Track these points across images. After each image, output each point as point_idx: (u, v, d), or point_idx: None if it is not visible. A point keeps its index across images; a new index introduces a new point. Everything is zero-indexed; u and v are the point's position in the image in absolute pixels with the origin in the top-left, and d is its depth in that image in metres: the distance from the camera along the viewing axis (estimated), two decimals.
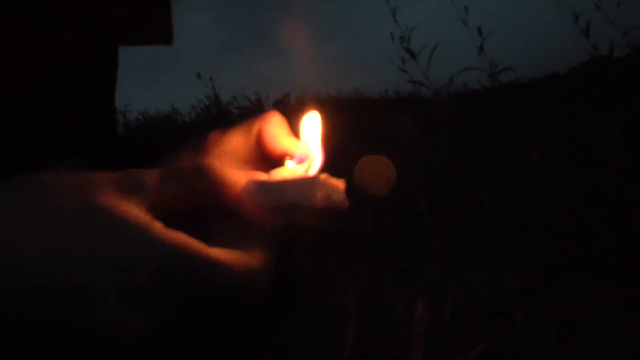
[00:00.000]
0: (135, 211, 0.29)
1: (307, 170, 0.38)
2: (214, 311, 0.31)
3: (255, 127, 0.39)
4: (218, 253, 0.30)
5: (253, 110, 4.30)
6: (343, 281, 1.88)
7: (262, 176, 0.37)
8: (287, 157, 0.39)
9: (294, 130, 0.40)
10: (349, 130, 3.17)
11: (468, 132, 2.73)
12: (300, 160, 0.39)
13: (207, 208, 0.33)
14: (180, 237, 0.29)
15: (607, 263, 1.69)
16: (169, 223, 0.30)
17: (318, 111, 0.40)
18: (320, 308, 1.73)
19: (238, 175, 0.34)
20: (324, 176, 0.36)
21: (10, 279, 0.26)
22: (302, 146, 0.39)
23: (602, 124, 2.41)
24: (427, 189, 2.37)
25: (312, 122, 0.40)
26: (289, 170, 0.38)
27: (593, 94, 2.78)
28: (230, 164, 0.37)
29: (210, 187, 0.33)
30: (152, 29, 0.47)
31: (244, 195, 0.34)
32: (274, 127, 0.39)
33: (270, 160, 0.39)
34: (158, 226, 0.29)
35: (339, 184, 0.36)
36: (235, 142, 0.39)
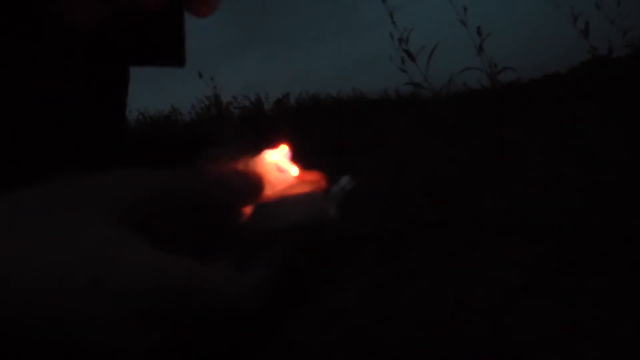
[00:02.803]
0: (128, 233, 0.29)
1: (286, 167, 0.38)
2: (211, 329, 0.31)
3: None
4: (214, 274, 0.30)
5: (253, 110, 4.30)
6: (343, 281, 1.89)
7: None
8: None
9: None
10: (349, 131, 3.17)
11: (468, 132, 2.73)
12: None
13: (208, 211, 0.33)
14: (176, 260, 0.29)
15: (607, 263, 1.69)
16: (169, 242, 0.30)
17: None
18: (320, 308, 1.73)
19: (237, 175, 0.34)
20: (317, 191, 0.36)
21: (8, 306, 0.26)
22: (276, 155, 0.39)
23: (602, 124, 2.41)
24: (426, 189, 2.37)
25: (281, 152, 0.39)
26: (283, 182, 0.37)
27: (593, 94, 2.78)
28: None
29: (207, 189, 0.32)
30: (165, 51, 0.48)
31: (246, 220, 0.34)
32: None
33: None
34: (152, 249, 0.29)
35: (330, 195, 0.36)
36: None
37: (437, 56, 3.14)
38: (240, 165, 0.35)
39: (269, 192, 0.36)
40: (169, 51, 0.49)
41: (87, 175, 0.30)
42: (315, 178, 0.37)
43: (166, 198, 0.31)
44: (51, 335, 0.27)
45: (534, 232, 1.93)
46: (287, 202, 0.35)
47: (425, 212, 2.22)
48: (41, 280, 0.27)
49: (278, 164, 0.37)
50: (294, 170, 0.38)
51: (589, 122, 2.48)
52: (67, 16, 0.42)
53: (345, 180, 0.38)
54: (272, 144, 0.38)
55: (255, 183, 0.34)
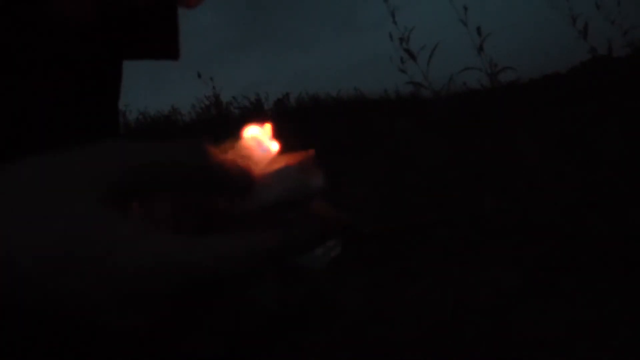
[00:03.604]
0: (120, 210, 0.29)
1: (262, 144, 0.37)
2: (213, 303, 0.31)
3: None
4: (210, 246, 0.30)
5: (253, 110, 4.30)
6: (343, 281, 1.89)
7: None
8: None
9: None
10: (349, 131, 3.17)
11: (468, 132, 2.73)
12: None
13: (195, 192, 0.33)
14: (171, 237, 0.29)
15: (607, 263, 1.69)
16: (160, 219, 0.30)
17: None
18: (320, 308, 1.73)
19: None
20: (294, 164, 0.35)
21: (8, 286, 0.26)
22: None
23: (602, 124, 2.41)
24: (427, 189, 2.37)
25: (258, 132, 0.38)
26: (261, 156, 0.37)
27: (593, 94, 2.78)
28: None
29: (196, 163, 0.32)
30: (159, 44, 0.48)
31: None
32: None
33: None
34: (145, 226, 0.29)
35: (310, 165, 0.36)
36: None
37: (437, 56, 3.14)
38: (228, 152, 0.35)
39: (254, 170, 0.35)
40: (163, 44, 0.49)
41: (73, 148, 0.30)
42: (296, 154, 0.37)
43: (157, 171, 0.30)
44: (52, 315, 0.27)
45: (534, 232, 1.93)
46: (264, 179, 0.35)
47: (425, 212, 2.22)
48: (38, 261, 0.27)
49: (259, 141, 0.37)
50: (274, 147, 0.37)
51: (589, 122, 2.48)
52: (58, 10, 0.42)
53: (331, 244, 0.37)
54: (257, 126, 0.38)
55: (244, 173, 0.34)
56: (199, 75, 4.20)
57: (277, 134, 0.38)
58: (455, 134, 2.75)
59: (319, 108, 4.13)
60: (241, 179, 0.33)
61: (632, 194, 1.90)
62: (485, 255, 1.90)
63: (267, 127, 0.37)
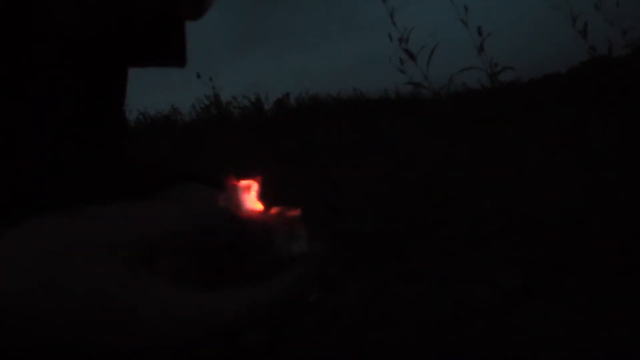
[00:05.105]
0: (144, 273, 0.30)
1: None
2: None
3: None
4: (225, 295, 0.31)
5: (253, 110, 4.30)
6: (343, 281, 1.89)
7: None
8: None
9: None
10: (349, 131, 3.17)
11: (468, 132, 2.73)
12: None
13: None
14: (192, 298, 0.30)
15: (607, 263, 1.69)
16: (179, 279, 0.31)
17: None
18: (320, 307, 1.73)
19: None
20: (282, 227, 0.36)
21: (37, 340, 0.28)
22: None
23: (602, 124, 2.41)
24: (427, 189, 2.37)
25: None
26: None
27: (593, 94, 2.79)
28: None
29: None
30: (165, 52, 0.48)
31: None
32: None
33: None
34: (166, 288, 0.30)
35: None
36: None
37: (437, 56, 3.15)
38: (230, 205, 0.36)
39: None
40: (170, 52, 0.49)
41: (93, 208, 0.31)
42: (282, 214, 0.37)
43: (175, 237, 0.32)
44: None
45: (534, 232, 1.93)
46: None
47: (425, 212, 2.22)
48: (66, 318, 0.28)
49: (244, 200, 0.37)
50: (259, 205, 0.38)
51: (589, 122, 2.48)
52: (62, 22, 0.42)
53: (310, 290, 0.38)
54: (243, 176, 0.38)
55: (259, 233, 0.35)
56: (198, 76, 4.20)
57: (263, 192, 0.38)
58: (455, 134, 2.75)
59: (319, 108, 4.13)
60: (262, 241, 0.35)
61: (632, 194, 1.91)
62: (485, 255, 1.90)
63: (254, 186, 0.38)
